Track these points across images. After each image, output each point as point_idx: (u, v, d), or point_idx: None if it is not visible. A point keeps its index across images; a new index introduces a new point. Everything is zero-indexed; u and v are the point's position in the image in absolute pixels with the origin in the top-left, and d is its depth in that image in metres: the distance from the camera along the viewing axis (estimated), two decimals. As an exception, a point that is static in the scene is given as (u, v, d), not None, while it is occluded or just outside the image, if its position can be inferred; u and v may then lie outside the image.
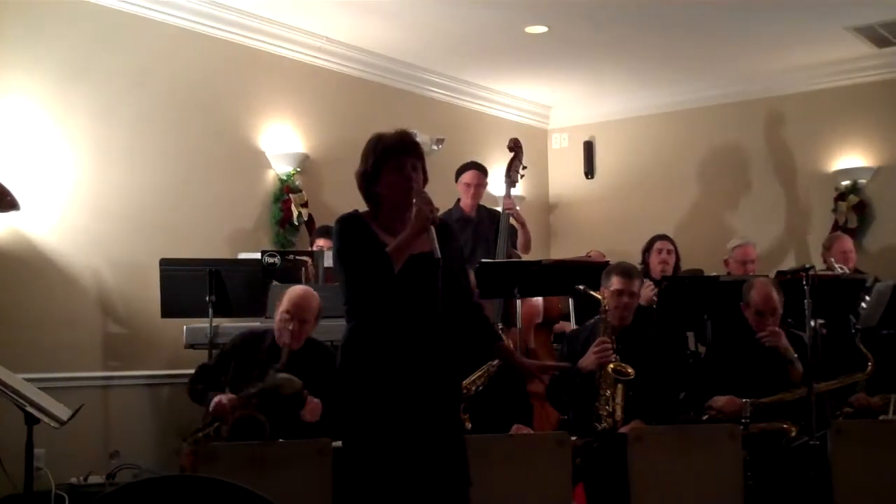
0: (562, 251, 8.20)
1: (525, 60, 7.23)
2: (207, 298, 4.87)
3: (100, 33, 5.45)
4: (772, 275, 5.14)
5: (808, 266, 4.53)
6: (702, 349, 5.52)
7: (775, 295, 4.60)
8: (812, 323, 4.43)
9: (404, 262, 2.99)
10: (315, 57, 6.64)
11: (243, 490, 2.38)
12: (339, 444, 3.27)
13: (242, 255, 5.53)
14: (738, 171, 7.81)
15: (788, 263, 7.10)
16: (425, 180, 3.18)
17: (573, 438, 4.09)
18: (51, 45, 5.21)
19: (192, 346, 4.99)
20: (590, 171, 8.57)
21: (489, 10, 6.12)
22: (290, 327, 4.20)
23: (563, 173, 8.73)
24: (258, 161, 6.27)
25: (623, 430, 4.19)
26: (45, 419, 3.61)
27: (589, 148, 8.59)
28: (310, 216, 6.34)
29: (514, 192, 6.09)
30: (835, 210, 7.24)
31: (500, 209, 5.94)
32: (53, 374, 4.89)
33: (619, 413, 4.32)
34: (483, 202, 6.14)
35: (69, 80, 5.27)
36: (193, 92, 5.90)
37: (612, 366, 4.35)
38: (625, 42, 6.82)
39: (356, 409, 3.04)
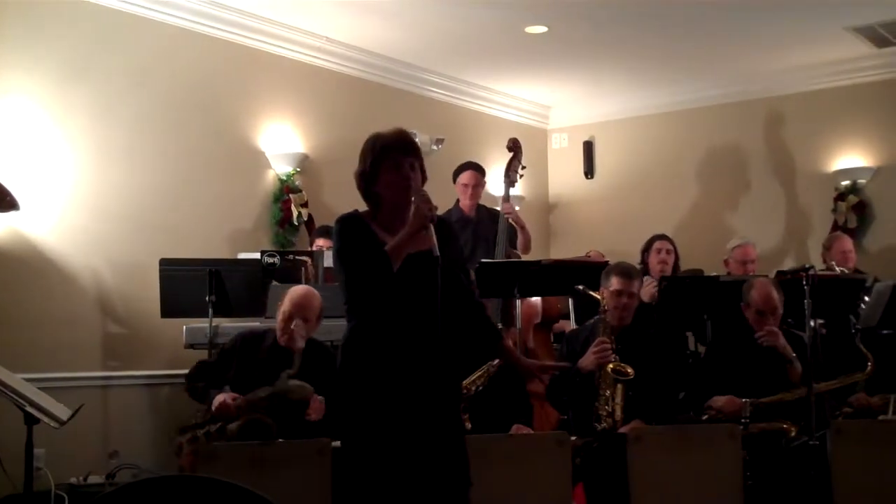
0: (561, 251, 8.20)
1: (525, 60, 7.24)
2: (207, 298, 4.87)
3: (100, 33, 5.45)
4: (771, 275, 5.14)
5: (807, 266, 4.53)
6: (701, 349, 5.52)
7: (775, 294, 4.60)
8: (812, 323, 4.43)
9: (404, 261, 2.99)
10: (315, 57, 6.64)
11: (243, 490, 2.38)
12: (338, 444, 3.27)
13: (242, 255, 5.53)
14: (737, 171, 7.81)
15: (788, 263, 7.10)
16: (424, 179, 3.18)
17: (573, 438, 4.09)
18: (51, 45, 5.21)
19: (191, 346, 4.99)
20: (589, 171, 8.57)
21: (489, 10, 6.12)
22: (303, 333, 4.19)
23: (562, 173, 8.73)
24: (258, 161, 6.27)
25: (623, 430, 4.19)
26: (45, 419, 3.61)
27: (588, 148, 8.59)
28: (309, 216, 6.34)
29: (513, 192, 6.09)
30: (834, 210, 7.24)
31: (499, 209, 5.95)
32: (53, 374, 4.89)
33: (618, 413, 4.32)
34: (482, 202, 6.15)
35: (69, 80, 5.27)
36: (193, 92, 5.90)
37: (611, 366, 4.35)
38: (624, 42, 6.82)
39: (356, 408, 3.04)
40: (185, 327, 5.03)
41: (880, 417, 4.56)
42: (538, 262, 5.13)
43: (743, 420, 4.31)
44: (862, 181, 7.22)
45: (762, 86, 7.65)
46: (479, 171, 6.00)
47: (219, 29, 6.02)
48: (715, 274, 5.66)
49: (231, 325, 4.95)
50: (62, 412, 3.68)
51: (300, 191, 6.33)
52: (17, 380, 3.66)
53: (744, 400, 4.38)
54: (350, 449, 3.05)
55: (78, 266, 5.26)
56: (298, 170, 6.36)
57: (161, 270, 4.92)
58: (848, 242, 6.25)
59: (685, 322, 5.43)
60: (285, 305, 4.25)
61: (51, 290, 5.13)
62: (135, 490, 2.45)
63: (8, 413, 3.76)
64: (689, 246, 6.75)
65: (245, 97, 6.22)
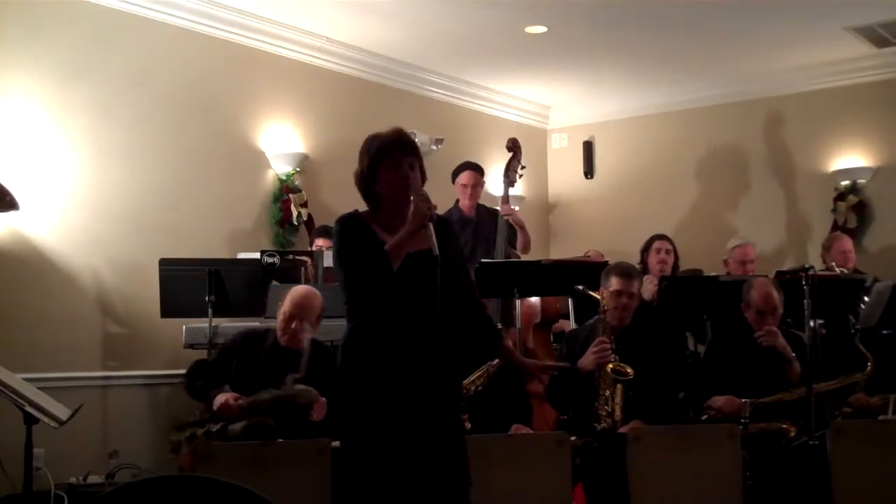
0: (561, 251, 8.20)
1: (525, 60, 7.24)
2: (207, 298, 4.87)
3: (100, 33, 5.45)
4: (771, 275, 5.14)
5: (807, 266, 4.53)
6: (701, 349, 5.52)
7: (775, 294, 4.60)
8: (811, 323, 4.43)
9: (404, 261, 2.99)
10: (315, 57, 6.64)
11: (242, 490, 2.38)
12: (338, 444, 3.27)
13: (242, 255, 5.53)
14: (737, 171, 7.81)
15: (788, 264, 7.10)
16: (424, 179, 3.18)
17: (572, 438, 4.09)
18: (51, 45, 5.21)
19: (191, 345, 4.99)
20: (589, 171, 8.57)
21: (489, 10, 6.12)
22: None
23: (562, 173, 8.74)
24: (258, 161, 6.27)
25: (622, 430, 4.19)
26: (45, 419, 3.61)
27: (588, 148, 8.59)
28: (309, 216, 6.34)
29: (513, 191, 6.08)
30: (834, 210, 7.24)
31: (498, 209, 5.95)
32: (53, 374, 4.89)
33: (618, 413, 4.32)
34: (482, 201, 6.14)
35: (69, 80, 5.27)
36: (193, 92, 5.90)
37: (611, 366, 4.34)
38: (624, 42, 6.82)
39: (356, 408, 3.04)
40: (184, 327, 5.03)
41: (880, 417, 4.56)
42: (538, 262, 5.13)
43: (742, 420, 4.31)
44: (862, 181, 7.22)
45: (762, 86, 7.65)
46: (477, 170, 6.00)
47: (218, 29, 6.03)
48: (714, 274, 5.66)
49: (231, 325, 4.95)
50: (62, 412, 3.68)
51: (300, 191, 6.33)
52: (16, 379, 3.66)
53: (743, 400, 4.38)
54: (350, 449, 3.06)
55: (78, 266, 5.26)
56: (298, 170, 6.36)
57: (161, 270, 4.92)
58: (847, 242, 6.25)
59: (685, 322, 5.43)
60: (286, 306, 4.24)
61: (50, 289, 5.13)
62: (134, 490, 2.45)
63: (7, 413, 3.76)
64: (688, 246, 6.75)
65: (245, 97, 6.22)
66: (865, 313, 5.10)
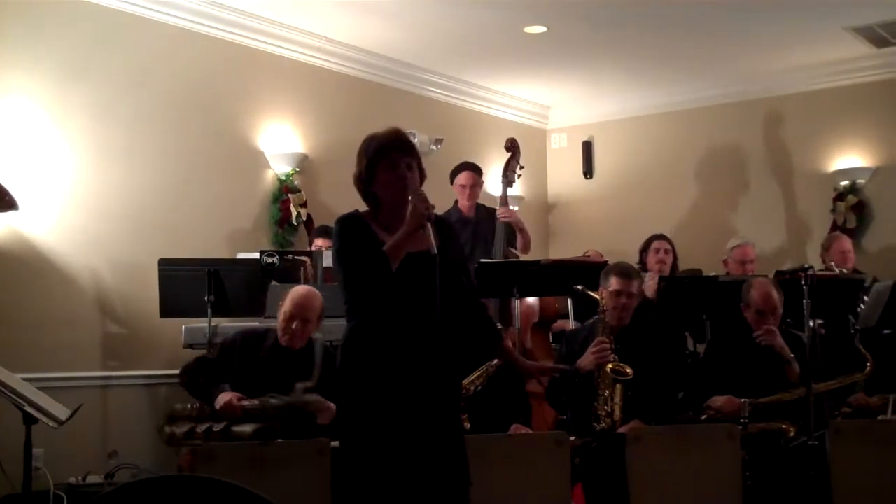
0: (560, 251, 8.20)
1: (524, 60, 7.24)
2: (206, 298, 4.87)
3: (100, 33, 5.45)
4: (770, 275, 5.14)
5: (806, 266, 4.53)
6: (700, 348, 5.52)
7: (775, 294, 4.60)
8: (811, 323, 4.44)
9: (403, 261, 2.99)
10: (314, 57, 6.64)
11: (242, 490, 2.38)
12: (337, 444, 3.27)
13: (241, 255, 5.52)
14: (737, 172, 7.81)
15: (787, 264, 7.09)
16: (423, 178, 3.18)
17: (572, 438, 4.09)
18: (51, 45, 5.21)
19: (190, 345, 4.99)
20: (588, 171, 8.58)
21: (488, 10, 6.12)
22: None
23: (561, 173, 8.74)
24: (257, 161, 6.27)
25: (622, 430, 4.19)
26: (44, 419, 3.61)
27: (588, 148, 8.59)
28: (308, 216, 6.34)
29: (512, 191, 6.09)
30: (833, 210, 7.24)
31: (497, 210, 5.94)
32: (52, 374, 4.89)
33: (617, 413, 4.32)
34: (482, 201, 6.14)
35: (69, 80, 5.27)
36: (193, 92, 5.90)
37: (610, 366, 4.34)
38: (624, 42, 6.82)
39: (356, 408, 3.04)
40: (184, 327, 5.03)
41: (879, 417, 4.56)
42: (537, 262, 5.13)
43: (742, 420, 4.31)
44: (861, 181, 7.23)
45: (762, 86, 7.65)
46: (475, 171, 5.99)
47: (218, 29, 6.02)
48: (714, 274, 5.66)
49: (230, 325, 4.95)
50: (61, 412, 3.68)
51: (299, 191, 6.33)
52: (16, 379, 3.66)
53: (743, 400, 4.38)
54: (349, 449, 3.05)
55: (77, 266, 5.26)
56: (297, 170, 6.36)
57: (160, 270, 4.92)
58: (847, 242, 6.25)
59: (684, 322, 5.43)
60: (286, 306, 4.24)
61: (50, 289, 5.13)
62: (134, 490, 2.45)
63: (7, 413, 3.76)
64: (688, 246, 6.76)
65: (244, 97, 6.22)
66: (865, 313, 5.10)
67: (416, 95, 7.46)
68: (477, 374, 4.32)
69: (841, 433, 4.07)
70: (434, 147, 7.12)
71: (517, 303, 5.16)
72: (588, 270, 4.89)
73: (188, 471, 3.76)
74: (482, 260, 5.22)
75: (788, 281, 4.68)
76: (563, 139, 8.77)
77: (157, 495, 2.38)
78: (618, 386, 4.34)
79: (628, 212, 8.14)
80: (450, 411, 3.09)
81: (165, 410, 4.30)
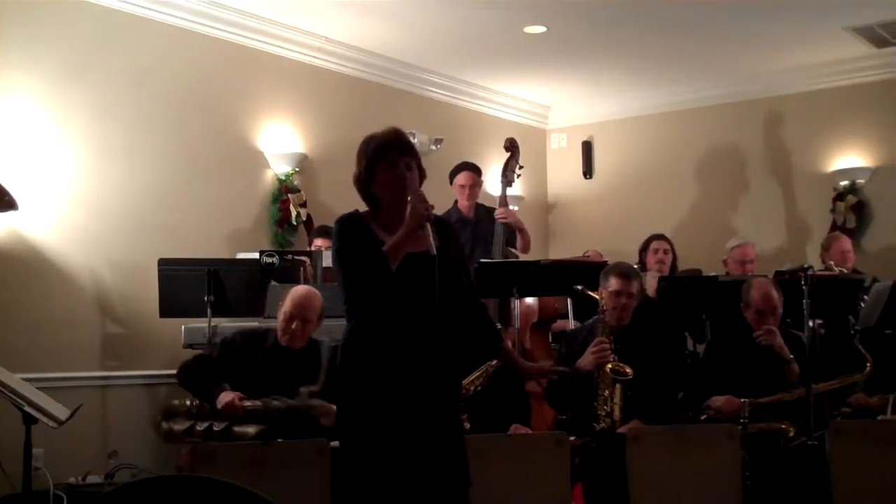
0: (560, 251, 8.20)
1: (524, 60, 7.24)
2: (206, 298, 4.86)
3: (100, 33, 5.45)
4: (770, 275, 5.14)
5: (806, 266, 4.53)
6: (700, 348, 5.52)
7: (775, 294, 4.60)
8: (810, 323, 4.44)
9: (402, 261, 2.99)
10: (314, 57, 6.64)
11: (241, 490, 2.38)
12: (337, 444, 3.27)
13: (241, 255, 5.52)
14: (736, 172, 7.81)
15: (787, 264, 7.09)
16: (423, 177, 3.18)
17: (572, 438, 4.08)
18: (51, 45, 5.21)
19: (190, 345, 4.98)
20: (588, 171, 8.58)
21: (488, 10, 6.12)
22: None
23: (561, 173, 8.74)
24: (257, 161, 6.27)
25: (621, 430, 4.19)
26: (44, 419, 3.61)
27: (587, 148, 8.59)
28: (308, 216, 6.34)
29: (511, 191, 6.08)
30: (833, 210, 7.25)
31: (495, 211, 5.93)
32: (52, 374, 4.89)
33: (617, 413, 4.32)
34: (482, 200, 6.14)
35: (68, 80, 5.27)
36: (192, 92, 5.90)
37: (610, 366, 4.34)
38: (623, 42, 6.82)
39: (355, 408, 3.04)
40: (183, 327, 5.04)
41: (879, 417, 4.56)
42: (537, 262, 5.13)
43: (741, 420, 4.31)
44: (861, 181, 7.23)
45: (761, 86, 7.65)
46: (474, 170, 5.99)
47: (218, 29, 6.02)
48: (714, 274, 5.67)
49: (230, 325, 4.95)
50: (61, 412, 3.68)
51: (299, 191, 6.33)
52: (15, 379, 3.66)
53: (742, 400, 4.38)
54: (349, 449, 3.05)
55: (77, 266, 5.26)
56: (297, 170, 6.36)
57: (160, 270, 4.92)
58: (846, 242, 6.26)
59: (684, 322, 5.43)
60: (286, 306, 4.24)
61: (50, 289, 5.13)
62: (133, 490, 2.45)
63: (6, 413, 3.76)
64: (687, 246, 6.76)
65: (244, 97, 6.22)
66: (864, 313, 5.10)
67: (416, 95, 7.46)
68: (477, 373, 4.32)
69: (841, 433, 4.07)
70: (434, 147, 7.12)
71: (516, 303, 5.16)
72: (588, 270, 4.88)
73: (187, 471, 3.76)
74: (482, 260, 5.21)
75: (788, 281, 4.68)
76: (563, 139, 8.78)
77: (157, 495, 2.38)
78: (617, 386, 4.34)
79: (628, 212, 8.14)
80: (449, 411, 3.09)
81: (162, 406, 4.31)
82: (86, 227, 5.29)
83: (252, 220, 6.20)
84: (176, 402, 4.24)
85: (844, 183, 7.25)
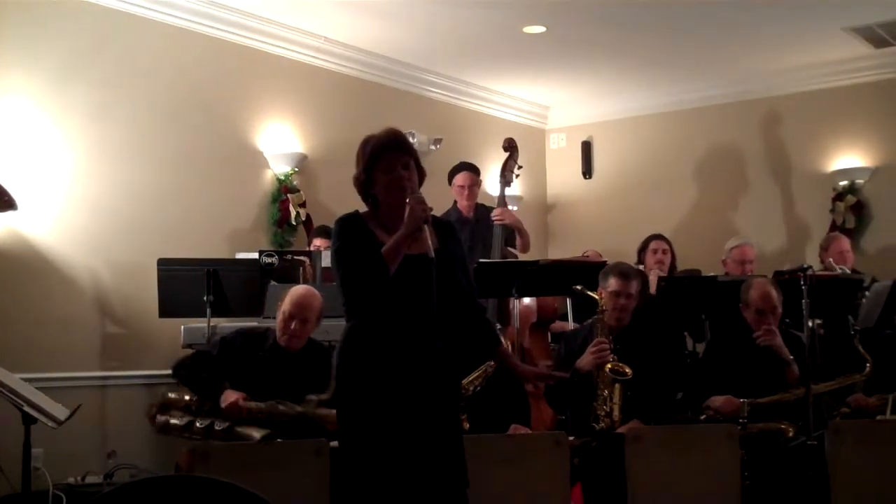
0: (559, 251, 8.21)
1: (523, 60, 7.24)
2: (205, 298, 4.87)
3: (99, 33, 5.45)
4: (769, 275, 5.14)
5: (805, 266, 4.53)
6: (699, 348, 5.52)
7: (774, 293, 4.59)
8: (809, 323, 4.44)
9: (402, 262, 2.99)
10: (313, 57, 6.64)
11: (240, 490, 2.38)
12: (336, 444, 3.27)
13: (240, 255, 5.53)
14: (736, 172, 7.81)
15: (786, 264, 7.10)
16: (423, 176, 3.18)
17: (571, 438, 4.09)
18: (50, 45, 5.21)
19: (189, 346, 4.98)
20: (588, 171, 8.58)
21: (487, 10, 6.12)
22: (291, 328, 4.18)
23: (560, 173, 8.74)
24: (256, 161, 6.27)
25: (621, 430, 4.19)
26: (43, 419, 3.61)
27: (587, 148, 8.59)
28: (308, 216, 6.34)
29: (511, 191, 6.07)
30: (832, 210, 7.25)
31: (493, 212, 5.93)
32: (51, 374, 4.89)
33: (616, 413, 4.32)
34: (481, 200, 6.13)
35: (68, 80, 5.27)
36: (192, 92, 5.90)
37: (609, 366, 4.34)
38: (623, 42, 6.82)
39: (354, 409, 3.04)
40: (182, 327, 5.03)
41: (878, 417, 4.56)
42: (536, 262, 5.13)
43: (741, 420, 4.31)
44: (860, 181, 7.23)
45: (761, 86, 7.66)
46: (473, 171, 5.98)
47: (218, 29, 6.02)
48: (713, 274, 5.67)
49: (229, 325, 4.94)
50: (60, 412, 3.68)
51: (298, 191, 6.33)
52: (15, 379, 3.66)
53: (742, 400, 4.39)
54: (348, 449, 3.05)
55: (76, 266, 5.26)
56: (297, 170, 6.36)
57: (159, 270, 4.92)
58: (845, 242, 6.26)
59: (683, 322, 5.43)
60: (285, 305, 4.24)
61: (49, 289, 5.13)
62: (133, 490, 2.45)
63: (6, 413, 3.76)
64: (687, 246, 6.76)
65: (243, 97, 6.22)
66: (864, 313, 5.10)
67: (415, 95, 7.46)
68: (476, 374, 4.31)
69: (840, 433, 4.07)
70: (433, 147, 7.12)
71: (515, 303, 5.16)
72: (587, 270, 4.88)
73: (187, 470, 3.76)
74: (481, 260, 5.21)
75: (787, 281, 4.67)
76: (563, 139, 8.78)
77: (156, 495, 2.39)
78: (617, 386, 4.34)
79: (627, 212, 8.14)
80: (448, 412, 3.09)
81: (158, 398, 4.30)
82: (85, 227, 5.29)
83: (251, 220, 6.20)
84: (173, 395, 4.23)
85: (844, 183, 7.25)
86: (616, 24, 6.45)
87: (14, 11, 5.08)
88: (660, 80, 7.77)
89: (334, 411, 3.82)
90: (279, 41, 6.40)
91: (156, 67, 5.72)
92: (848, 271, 5.78)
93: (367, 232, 3.09)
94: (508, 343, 4.80)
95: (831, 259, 5.91)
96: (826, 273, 5.51)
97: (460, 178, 5.92)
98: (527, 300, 5.63)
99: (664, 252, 6.14)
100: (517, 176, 6.08)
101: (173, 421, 4.14)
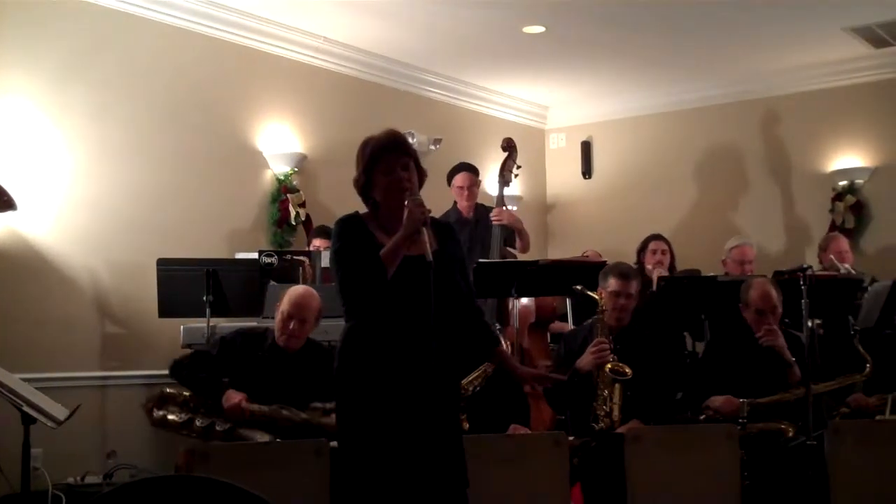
0: (559, 251, 8.21)
1: (523, 60, 7.24)
2: (205, 298, 4.86)
3: (99, 33, 5.45)
4: (769, 275, 5.14)
5: (805, 266, 4.53)
6: (699, 347, 5.51)
7: (774, 293, 4.59)
8: (809, 323, 4.43)
9: (401, 264, 2.99)
10: (313, 57, 6.64)
11: (240, 490, 2.38)
12: (335, 444, 3.26)
13: (240, 255, 5.53)
14: (735, 172, 7.81)
15: (786, 264, 7.09)
16: (423, 176, 3.18)
17: (571, 438, 4.09)
18: (50, 45, 5.21)
19: (189, 346, 4.98)
20: (587, 171, 8.58)
21: (487, 10, 6.12)
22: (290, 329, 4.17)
23: (560, 173, 8.74)
24: (256, 161, 6.27)
25: (620, 429, 4.19)
26: (42, 419, 3.61)
27: (586, 148, 8.59)
28: (307, 216, 6.34)
29: (510, 192, 6.07)
30: (832, 210, 7.25)
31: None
32: (51, 374, 4.89)
33: (616, 413, 4.32)
34: (481, 200, 6.12)
35: (67, 80, 5.27)
36: (191, 92, 5.90)
37: (609, 366, 4.34)
38: (623, 42, 6.82)
39: (353, 409, 3.04)
40: (182, 327, 5.03)
41: (878, 417, 4.56)
42: (536, 263, 5.13)
43: (740, 420, 4.31)
44: (860, 181, 7.23)
45: (760, 86, 7.66)
46: (472, 171, 5.97)
47: (217, 29, 6.02)
48: (713, 274, 5.66)
49: (228, 325, 4.94)
50: (59, 412, 3.68)
51: (298, 191, 6.33)
52: (14, 379, 3.66)
53: (741, 400, 4.39)
54: (347, 449, 3.05)
55: (76, 266, 5.26)
56: (296, 170, 6.36)
57: (158, 270, 4.92)
58: (844, 243, 6.25)
59: (683, 322, 5.43)
60: (284, 305, 4.24)
61: (49, 289, 5.13)
62: (132, 490, 2.45)
63: (5, 413, 3.76)
64: (686, 246, 6.76)
65: (243, 97, 6.22)
66: (864, 314, 5.10)
67: (415, 95, 7.46)
68: (475, 374, 4.31)
69: (839, 433, 4.07)
70: (433, 147, 7.12)
71: (514, 303, 5.16)
72: (587, 270, 4.88)
73: (186, 470, 3.76)
74: (480, 260, 5.21)
75: (787, 281, 4.67)
76: (562, 139, 8.78)
77: (156, 495, 2.38)
78: (617, 386, 4.34)
79: (627, 212, 8.14)
80: (447, 412, 3.09)
81: (155, 392, 4.29)
82: (85, 227, 5.29)
83: (251, 221, 6.20)
84: (171, 390, 4.22)
85: (843, 183, 7.25)
86: (616, 24, 6.45)
87: (14, 11, 5.08)
88: (660, 80, 7.77)
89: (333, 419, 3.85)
90: (278, 41, 6.40)
91: (155, 67, 5.72)
92: (852, 270, 5.78)
93: (367, 233, 3.09)
94: (508, 343, 4.80)
95: (832, 256, 5.91)
96: (826, 273, 5.50)
97: (459, 179, 5.92)
98: (525, 300, 5.62)
99: (663, 252, 6.14)
100: (516, 176, 6.07)
101: (171, 417, 4.14)
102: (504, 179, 5.93)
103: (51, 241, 5.16)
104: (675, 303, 5.24)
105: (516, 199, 7.89)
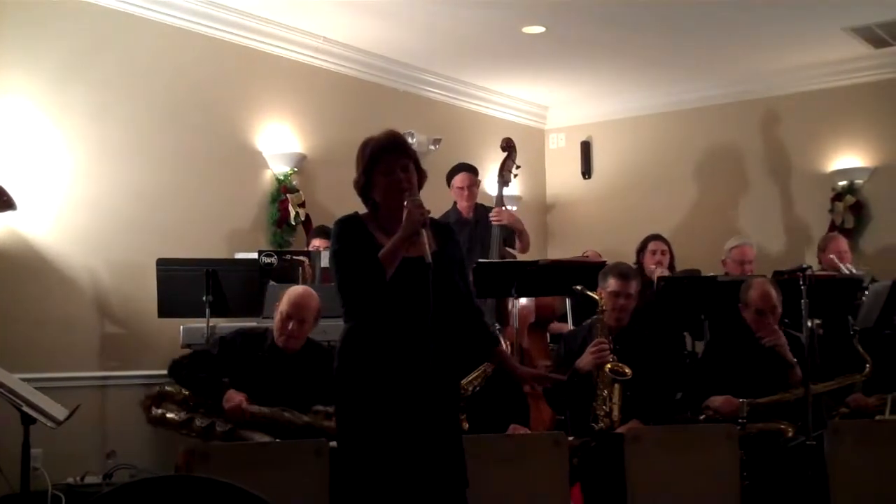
0: (559, 251, 8.21)
1: (522, 60, 7.24)
2: (204, 298, 4.86)
3: (98, 33, 5.45)
4: (769, 275, 5.14)
5: (805, 266, 4.53)
6: (699, 347, 5.51)
7: (774, 293, 4.60)
8: (808, 323, 4.43)
9: (400, 265, 2.99)
10: (312, 57, 6.64)
11: (239, 490, 2.38)
12: (335, 444, 3.26)
13: (239, 255, 5.53)
14: (735, 172, 7.81)
15: (786, 264, 7.08)
16: (423, 177, 3.18)
17: (570, 438, 4.09)
18: (50, 45, 5.21)
19: (188, 346, 4.97)
20: (587, 172, 8.58)
21: (486, 10, 6.12)
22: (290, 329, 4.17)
23: (560, 173, 8.74)
24: (255, 161, 6.27)
25: (620, 430, 4.19)
26: (42, 419, 3.61)
27: (586, 148, 8.60)
28: (307, 216, 6.34)
29: (510, 192, 6.07)
30: (832, 210, 7.25)
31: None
32: (50, 374, 4.89)
33: (616, 413, 4.32)
34: (481, 200, 6.12)
35: (67, 80, 5.27)
36: (191, 92, 5.90)
37: (609, 366, 4.34)
38: (622, 42, 6.82)
39: (353, 409, 3.04)
40: (182, 327, 5.03)
41: (877, 417, 4.56)
42: (535, 263, 5.13)
43: (740, 420, 4.31)
44: (859, 181, 7.23)
45: (759, 86, 7.66)
46: (471, 171, 5.97)
47: (217, 29, 6.02)
48: (713, 274, 5.66)
49: (228, 326, 4.94)
50: (59, 412, 3.68)
51: (297, 191, 6.33)
52: (14, 379, 3.66)
53: (741, 400, 4.39)
54: (347, 449, 3.05)
55: (75, 266, 5.26)
56: (296, 170, 6.36)
57: (158, 270, 4.92)
58: (843, 243, 6.25)
59: (683, 322, 5.43)
60: (283, 305, 4.23)
61: (48, 289, 5.13)
62: (132, 490, 2.45)
63: (5, 413, 3.76)
64: (686, 246, 6.76)
65: (243, 97, 6.22)
66: (863, 314, 5.10)
67: (415, 95, 7.46)
68: (475, 374, 4.31)
69: (839, 433, 4.07)
70: (432, 147, 7.12)
71: (514, 303, 5.16)
72: (586, 270, 4.88)
73: (186, 470, 3.76)
74: (480, 260, 5.21)
75: (786, 281, 4.67)
76: (562, 139, 8.78)
77: (156, 495, 2.38)
78: (616, 386, 4.34)
79: (627, 212, 8.14)
80: (446, 412, 3.09)
81: (153, 390, 4.29)
82: (84, 227, 5.29)
83: (251, 221, 6.20)
84: (170, 388, 4.22)
85: (843, 183, 7.25)
86: (616, 24, 6.46)
87: (14, 11, 5.08)
88: (660, 80, 7.77)
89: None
90: (278, 41, 6.40)
91: (155, 67, 5.72)
92: (854, 270, 5.78)
93: (367, 234, 3.09)
94: (507, 343, 4.80)
95: (833, 256, 5.91)
96: (825, 273, 5.50)
97: (459, 180, 5.92)
98: (525, 300, 5.62)
99: (663, 253, 6.14)
100: (515, 176, 6.07)
101: (170, 415, 4.13)
102: (503, 179, 5.93)
103: (51, 241, 5.16)
104: (674, 303, 5.24)
105: (516, 200, 7.89)
